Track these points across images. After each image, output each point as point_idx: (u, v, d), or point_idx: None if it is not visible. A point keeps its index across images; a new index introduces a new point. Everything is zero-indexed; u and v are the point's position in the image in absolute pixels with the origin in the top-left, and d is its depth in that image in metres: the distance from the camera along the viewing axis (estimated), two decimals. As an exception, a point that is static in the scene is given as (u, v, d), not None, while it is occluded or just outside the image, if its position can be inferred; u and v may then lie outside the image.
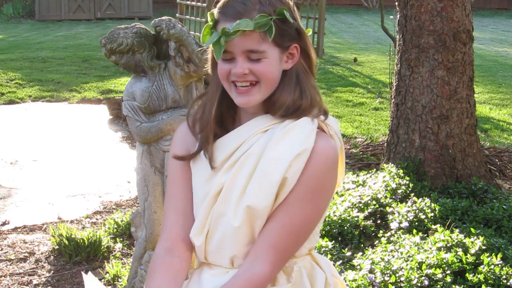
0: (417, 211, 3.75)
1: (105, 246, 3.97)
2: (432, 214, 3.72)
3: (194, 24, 10.62)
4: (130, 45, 2.87)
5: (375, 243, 3.66)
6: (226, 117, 1.75)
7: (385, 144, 4.79)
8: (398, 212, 3.78)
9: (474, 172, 4.41)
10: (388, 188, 4.08)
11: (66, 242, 3.91)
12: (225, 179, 1.69)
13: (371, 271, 3.15)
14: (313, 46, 1.77)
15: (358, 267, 3.25)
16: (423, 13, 4.41)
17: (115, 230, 4.20)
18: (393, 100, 4.64)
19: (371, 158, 5.37)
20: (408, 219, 3.70)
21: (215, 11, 1.68)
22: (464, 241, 3.28)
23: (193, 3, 10.36)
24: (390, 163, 4.49)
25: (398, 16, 4.64)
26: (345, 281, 3.03)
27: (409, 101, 4.48)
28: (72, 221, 4.51)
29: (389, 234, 3.64)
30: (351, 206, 3.94)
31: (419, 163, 4.38)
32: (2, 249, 4.07)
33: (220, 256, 1.71)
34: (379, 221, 3.88)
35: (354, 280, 3.07)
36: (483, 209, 3.82)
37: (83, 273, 1.96)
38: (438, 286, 3.01)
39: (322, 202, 1.69)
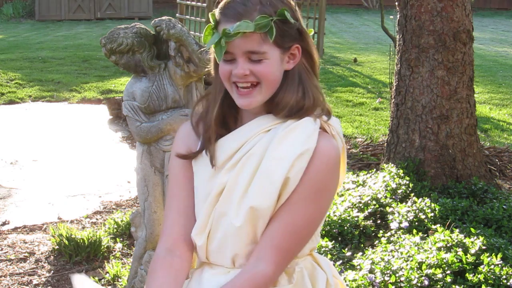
0: (417, 211, 3.75)
1: (105, 246, 3.97)
2: (432, 214, 3.72)
3: (194, 24, 10.62)
4: (130, 45, 2.87)
5: (375, 243, 3.66)
6: (228, 117, 1.75)
7: (385, 144, 4.79)
8: (398, 212, 3.78)
9: (474, 172, 4.41)
10: (388, 188, 4.08)
11: (66, 242, 3.91)
12: (227, 179, 1.69)
13: (371, 271, 3.15)
14: (315, 46, 1.76)
15: (358, 267, 3.25)
16: (423, 13, 4.41)
17: (115, 230, 4.20)
18: (393, 100, 4.64)
19: (371, 158, 5.37)
20: (408, 219, 3.70)
21: (217, 11, 1.68)
22: (464, 241, 3.28)
23: (193, 3, 10.36)
24: (390, 163, 4.49)
25: (398, 16, 4.64)
26: (345, 281, 3.04)
27: (409, 101, 4.48)
28: (72, 221, 4.51)
29: (389, 234, 3.64)
30: (351, 206, 3.94)
31: (419, 163, 4.38)
32: (2, 249, 4.07)
33: (222, 256, 1.71)
34: (379, 221, 3.88)
35: (354, 280, 3.07)
36: (483, 209, 3.82)
37: (71, 277, 1.93)
38: (438, 286, 3.01)
39: (324, 202, 1.70)
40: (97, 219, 4.57)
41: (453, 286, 3.01)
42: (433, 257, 3.14)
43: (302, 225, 1.66)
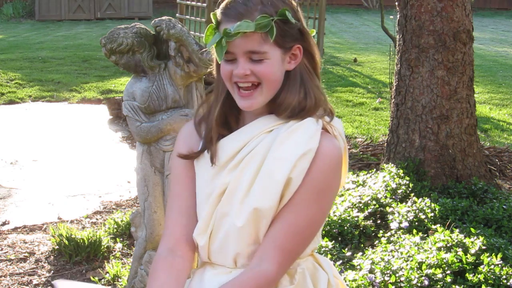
0: (417, 211, 3.75)
1: (105, 246, 3.97)
2: (432, 214, 3.72)
3: (194, 24, 10.61)
4: (130, 45, 2.87)
5: (375, 243, 3.66)
6: (230, 117, 1.75)
7: (385, 144, 4.79)
8: (398, 212, 3.78)
9: (474, 172, 4.41)
10: (388, 188, 4.08)
11: (66, 242, 3.91)
12: (229, 179, 1.69)
13: (371, 271, 3.15)
14: (317, 47, 1.76)
15: (358, 267, 3.25)
16: (423, 13, 4.41)
17: (115, 230, 4.20)
18: (393, 100, 4.64)
19: (371, 158, 5.37)
20: (408, 219, 3.70)
21: (218, 11, 1.69)
22: (464, 241, 3.28)
23: (193, 3, 10.36)
24: (390, 163, 4.49)
25: (398, 16, 4.64)
26: (345, 281, 3.03)
27: (409, 101, 4.48)
28: (72, 221, 4.51)
29: (389, 234, 3.64)
30: (351, 206, 3.94)
31: (419, 163, 4.38)
32: (2, 249, 4.07)
33: (223, 256, 1.71)
34: (379, 221, 3.88)
35: (354, 280, 3.07)
36: (483, 209, 3.82)
37: (54, 284, 1.91)
38: (438, 286, 3.01)
39: (326, 202, 1.70)
40: (97, 219, 4.57)
41: (453, 286, 3.01)
42: (433, 257, 3.14)
43: (305, 226, 1.66)
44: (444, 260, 3.11)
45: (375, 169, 4.73)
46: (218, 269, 1.73)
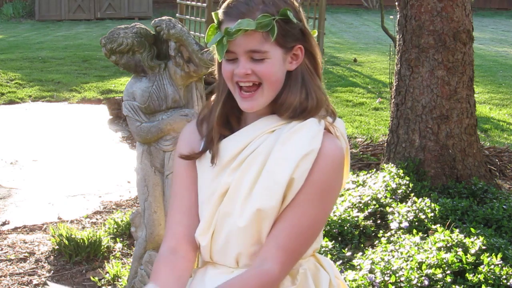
0: (417, 211, 3.75)
1: (105, 246, 3.97)
2: (432, 214, 3.72)
3: (194, 24, 10.61)
4: (130, 45, 2.87)
5: (375, 243, 3.67)
6: (231, 117, 1.75)
7: (385, 144, 4.79)
8: (398, 212, 3.78)
9: (474, 172, 4.41)
10: (388, 188, 4.08)
11: (66, 242, 3.91)
12: (231, 179, 1.69)
13: (371, 271, 3.15)
14: (319, 48, 1.76)
15: (358, 267, 3.25)
16: (423, 13, 4.41)
17: (115, 230, 4.20)
18: (393, 100, 4.65)
19: (371, 158, 5.37)
20: (408, 219, 3.70)
21: (220, 11, 1.69)
22: (464, 241, 3.28)
23: (193, 3, 10.36)
24: (390, 163, 4.49)
25: (398, 16, 4.64)
26: (345, 281, 3.03)
27: (409, 101, 4.48)
28: (72, 221, 4.51)
29: (389, 234, 3.64)
30: (351, 206, 3.94)
31: (419, 163, 4.38)
32: (2, 249, 4.07)
33: (225, 255, 1.71)
34: (379, 221, 3.88)
35: (354, 280, 3.07)
36: (483, 209, 3.82)
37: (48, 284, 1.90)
38: (438, 286, 3.01)
39: (329, 202, 1.70)
40: (97, 219, 4.57)
41: (453, 286, 3.01)
42: (433, 257, 3.14)
43: (307, 226, 1.66)
44: (444, 260, 3.11)
45: (375, 169, 4.73)
46: (220, 269, 1.73)
